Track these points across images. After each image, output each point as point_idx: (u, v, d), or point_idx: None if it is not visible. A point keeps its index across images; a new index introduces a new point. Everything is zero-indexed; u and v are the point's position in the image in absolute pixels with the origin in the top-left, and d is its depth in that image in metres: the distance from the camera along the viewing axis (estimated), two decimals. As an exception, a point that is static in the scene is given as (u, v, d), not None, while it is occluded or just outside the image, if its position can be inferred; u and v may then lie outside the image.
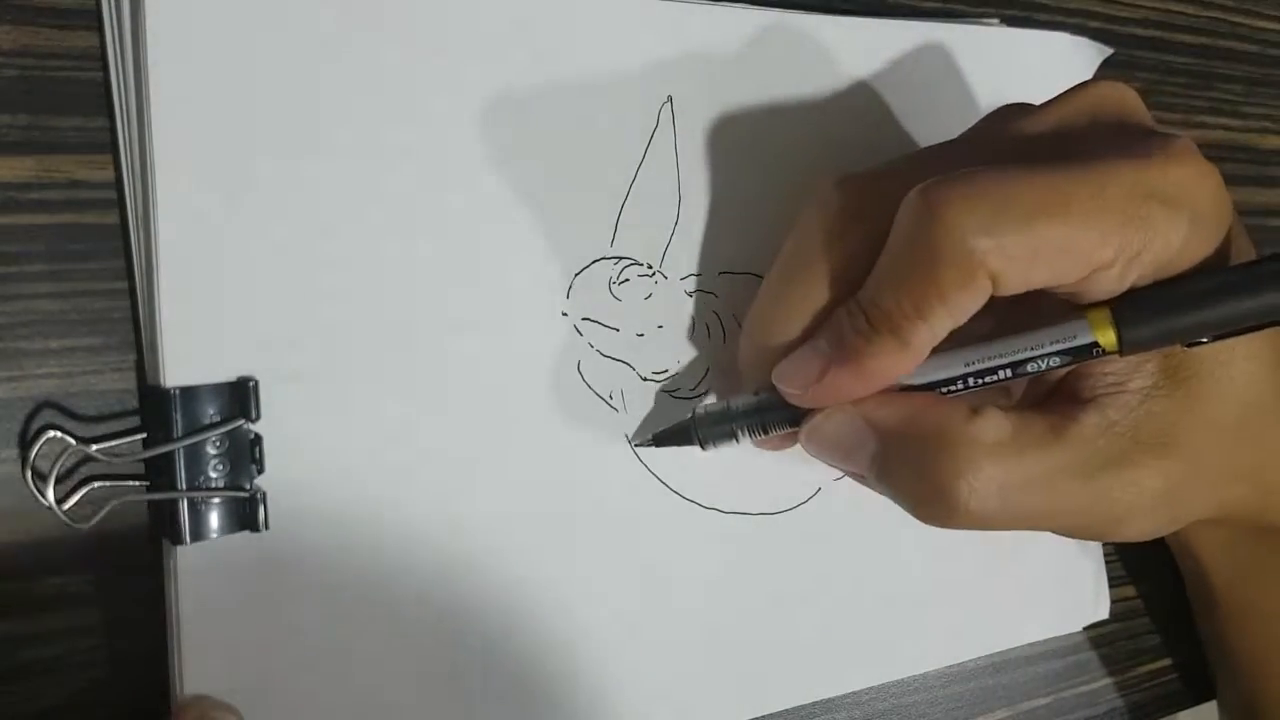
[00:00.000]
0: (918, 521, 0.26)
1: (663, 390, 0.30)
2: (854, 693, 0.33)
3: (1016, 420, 0.25)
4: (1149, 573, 0.40)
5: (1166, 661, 0.40)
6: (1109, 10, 0.40)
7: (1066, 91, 0.27)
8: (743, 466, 0.31)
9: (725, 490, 0.30)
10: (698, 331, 0.30)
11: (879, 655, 0.33)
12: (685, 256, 0.30)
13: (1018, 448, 0.25)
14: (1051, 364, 0.25)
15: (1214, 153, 0.43)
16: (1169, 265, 0.24)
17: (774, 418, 0.27)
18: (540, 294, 0.28)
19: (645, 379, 0.29)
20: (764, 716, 0.31)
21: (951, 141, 0.28)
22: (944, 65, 0.34)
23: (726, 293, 0.31)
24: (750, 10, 0.31)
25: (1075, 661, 0.38)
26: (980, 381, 0.25)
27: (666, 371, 0.30)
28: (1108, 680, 0.39)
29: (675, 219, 0.30)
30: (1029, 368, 0.25)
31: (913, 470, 0.25)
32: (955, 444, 0.24)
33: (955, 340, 0.25)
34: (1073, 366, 0.25)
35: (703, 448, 0.28)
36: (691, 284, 0.30)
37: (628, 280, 0.29)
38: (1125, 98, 0.27)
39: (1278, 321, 0.24)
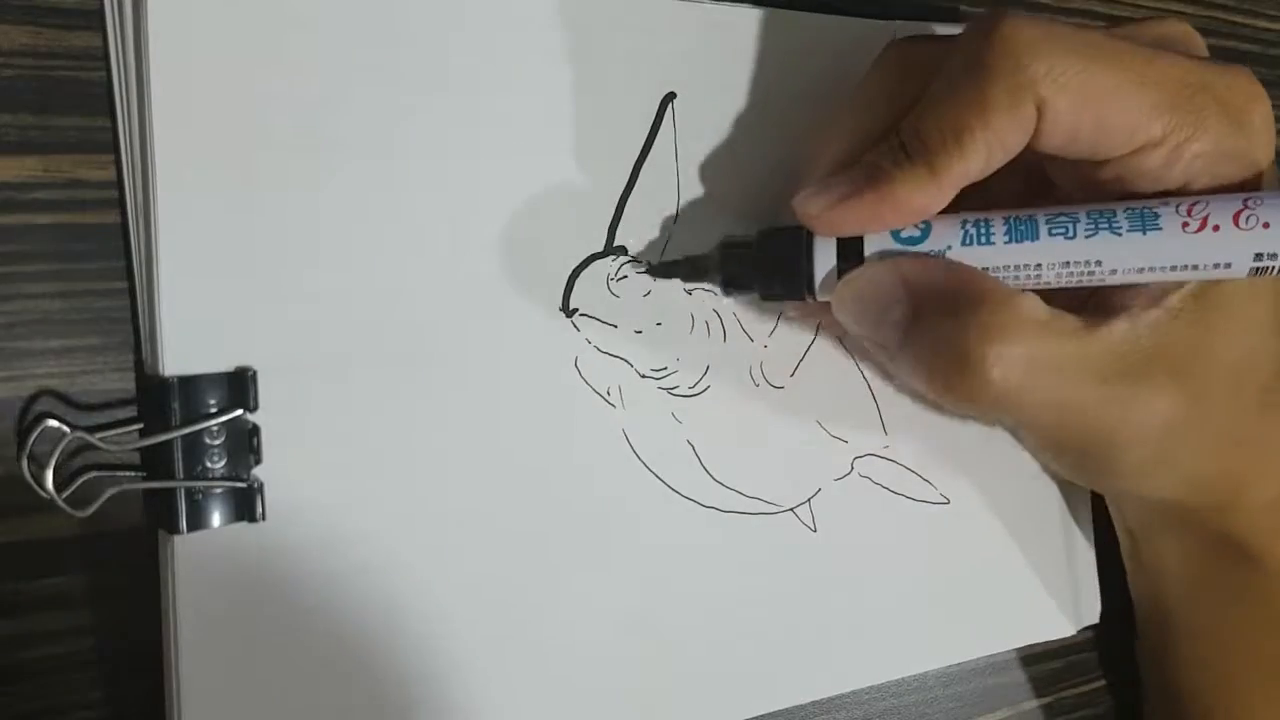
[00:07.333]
0: (928, 401, 0.27)
1: (661, 387, 0.30)
2: (854, 693, 0.33)
3: (1052, 310, 0.25)
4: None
5: (1167, 662, 0.40)
6: (1109, 10, 0.40)
7: (1134, 22, 0.27)
8: (743, 465, 0.31)
9: (725, 489, 0.30)
10: (697, 329, 0.30)
11: (879, 655, 0.33)
12: (685, 254, 0.30)
13: (1051, 331, 0.24)
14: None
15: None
16: (1213, 170, 0.24)
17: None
18: (537, 289, 0.28)
19: (643, 376, 0.29)
20: (764, 716, 0.31)
21: None
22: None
23: (726, 291, 0.31)
24: (752, 8, 0.31)
25: (1075, 661, 0.38)
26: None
27: (665, 369, 0.30)
28: (1108, 680, 0.39)
29: (675, 216, 0.30)
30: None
31: (941, 336, 0.24)
32: (993, 308, 0.24)
33: (988, 204, 0.25)
34: None
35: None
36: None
37: (626, 277, 0.29)
38: (1190, 36, 0.27)
39: None
